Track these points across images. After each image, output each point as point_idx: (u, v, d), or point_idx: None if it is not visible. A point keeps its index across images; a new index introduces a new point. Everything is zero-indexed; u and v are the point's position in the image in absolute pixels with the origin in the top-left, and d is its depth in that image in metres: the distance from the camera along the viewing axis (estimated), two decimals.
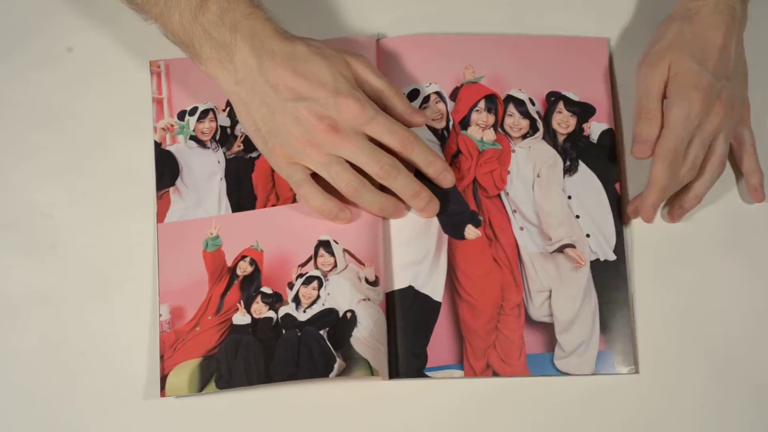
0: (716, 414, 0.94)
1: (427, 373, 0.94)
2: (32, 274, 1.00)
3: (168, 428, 0.95)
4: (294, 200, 1.00)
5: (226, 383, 0.94)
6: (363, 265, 0.97)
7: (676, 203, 0.98)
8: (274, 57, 0.94)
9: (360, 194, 0.95)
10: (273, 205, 1.00)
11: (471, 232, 0.98)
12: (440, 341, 0.95)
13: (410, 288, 0.96)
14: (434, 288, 0.97)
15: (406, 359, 0.94)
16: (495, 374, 0.94)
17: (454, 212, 0.99)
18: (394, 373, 0.94)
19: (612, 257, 0.97)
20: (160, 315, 0.98)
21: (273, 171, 1.01)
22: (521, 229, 0.98)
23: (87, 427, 0.95)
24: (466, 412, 0.94)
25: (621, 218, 0.99)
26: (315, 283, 0.97)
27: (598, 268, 0.97)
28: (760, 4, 1.05)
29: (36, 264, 1.00)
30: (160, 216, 1.01)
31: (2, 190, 1.03)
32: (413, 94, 1.03)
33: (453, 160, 1.01)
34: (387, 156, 0.95)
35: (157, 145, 1.04)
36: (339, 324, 0.95)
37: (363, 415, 0.94)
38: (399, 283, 0.97)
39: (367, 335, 0.94)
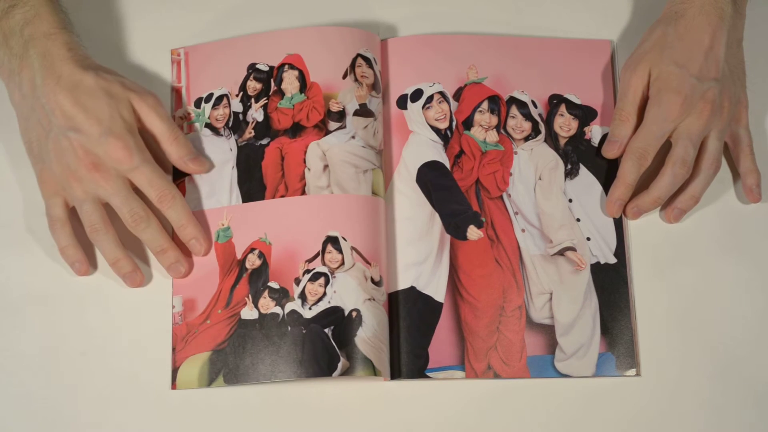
0: (718, 416, 0.95)
1: (428, 374, 0.96)
2: (32, 274, 1.02)
3: (169, 428, 0.97)
4: (303, 192, 1.01)
5: (233, 378, 0.96)
6: (369, 264, 0.98)
7: (673, 204, 1.00)
8: (59, 82, 0.97)
9: (98, 239, 0.98)
10: (282, 196, 1.01)
11: (473, 232, 1.00)
12: (442, 342, 0.97)
13: (412, 288, 0.98)
14: (436, 289, 0.99)
15: (408, 359, 0.96)
16: (496, 375, 0.96)
17: (457, 212, 1.01)
18: (395, 373, 0.96)
19: (612, 260, 0.99)
20: (173, 306, 1.00)
21: (282, 160, 1.03)
22: (523, 231, 1.00)
23: (87, 427, 0.97)
24: (466, 413, 0.96)
25: (621, 222, 1.01)
26: (322, 280, 0.98)
27: (598, 271, 0.99)
28: (760, 4, 1.07)
29: (36, 264, 1.02)
30: None
31: (2, 190, 1.05)
32: (417, 94, 1.04)
33: (456, 160, 1.03)
34: (141, 206, 0.97)
35: None
36: (344, 323, 0.96)
37: (364, 415, 0.96)
38: (401, 284, 0.99)
39: (372, 335, 0.96)
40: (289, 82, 1.05)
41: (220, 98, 1.06)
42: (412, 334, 0.97)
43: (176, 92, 1.07)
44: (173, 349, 0.98)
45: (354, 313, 0.97)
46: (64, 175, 0.98)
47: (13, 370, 0.99)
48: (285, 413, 0.97)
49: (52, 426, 0.97)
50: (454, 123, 1.04)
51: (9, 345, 1.00)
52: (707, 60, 0.97)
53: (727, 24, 0.98)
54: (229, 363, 0.97)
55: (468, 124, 1.04)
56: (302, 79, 1.05)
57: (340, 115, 1.04)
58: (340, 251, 0.99)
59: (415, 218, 1.01)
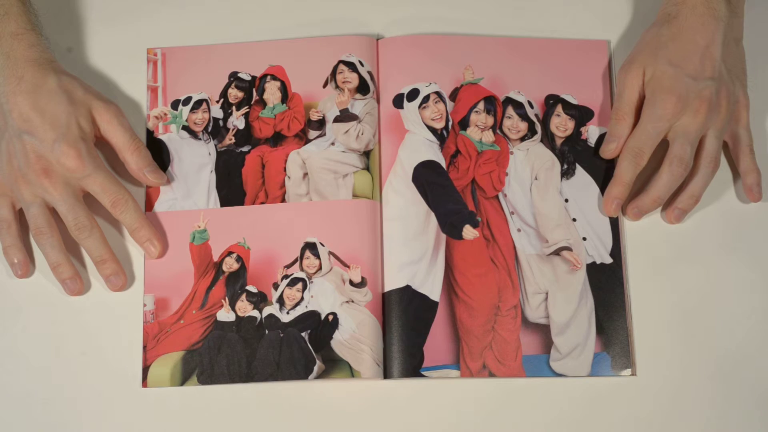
0: (715, 416, 1.00)
1: (424, 373, 1.00)
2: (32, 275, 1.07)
3: (170, 427, 1.01)
4: (283, 200, 1.08)
5: (208, 378, 1.01)
6: (348, 267, 1.04)
7: (673, 204, 1.05)
8: (21, 83, 1.02)
9: (42, 242, 1.03)
10: (262, 203, 1.08)
11: (469, 232, 1.06)
12: (437, 341, 1.02)
13: (408, 287, 1.03)
14: (432, 288, 1.04)
15: (403, 358, 1.01)
16: (491, 375, 1.01)
17: (452, 212, 1.06)
18: (390, 372, 1.01)
19: (608, 260, 1.05)
20: (145, 305, 1.04)
21: (263, 168, 1.09)
22: (519, 230, 1.06)
23: (87, 427, 1.01)
24: (461, 412, 1.01)
25: (618, 222, 1.07)
26: (299, 285, 1.04)
27: (594, 271, 1.05)
28: (759, 4, 1.14)
29: (36, 263, 1.07)
30: (149, 205, 1.07)
31: None
32: (413, 94, 1.10)
33: (452, 159, 1.08)
34: (85, 215, 1.03)
35: (149, 134, 1.11)
36: (320, 326, 1.02)
37: (359, 413, 1.01)
38: (396, 283, 1.03)
39: (348, 337, 1.01)
40: (271, 92, 1.12)
41: (199, 102, 1.12)
42: (407, 332, 1.02)
43: (152, 92, 1.12)
44: (144, 348, 1.03)
45: (330, 317, 1.03)
46: (14, 176, 1.02)
47: (13, 371, 1.03)
48: (281, 412, 1.01)
49: (52, 426, 1.01)
50: (450, 123, 1.10)
51: (9, 345, 1.04)
52: (702, 59, 1.04)
53: (723, 23, 1.05)
54: (204, 363, 1.02)
55: (464, 124, 1.10)
56: (284, 89, 1.12)
57: (320, 124, 1.11)
58: (318, 257, 1.05)
59: (410, 217, 1.06)
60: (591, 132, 1.10)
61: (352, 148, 1.09)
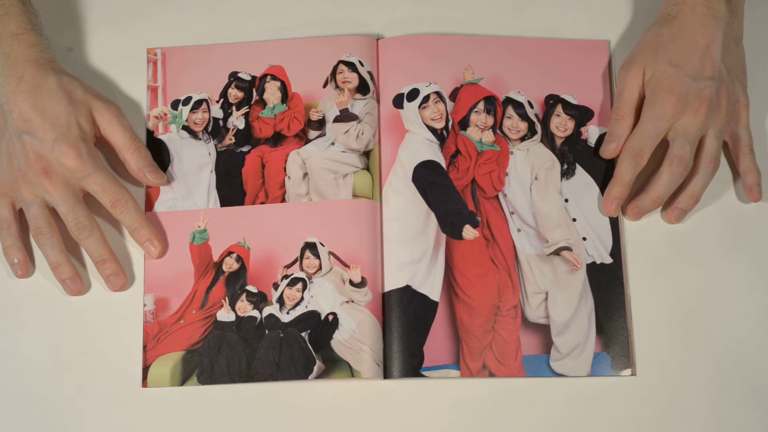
0: (714, 416, 1.01)
1: (423, 373, 1.01)
2: (32, 275, 1.07)
3: (170, 427, 1.02)
4: (283, 200, 1.09)
5: (208, 379, 1.02)
6: (348, 267, 1.05)
7: (673, 204, 1.06)
8: (20, 83, 1.03)
9: (42, 242, 1.03)
10: (262, 203, 1.08)
11: (469, 232, 1.06)
12: (437, 341, 1.02)
13: (408, 287, 1.04)
14: (432, 288, 1.04)
15: (403, 358, 1.01)
16: (491, 375, 1.02)
17: (452, 212, 1.07)
18: (390, 372, 1.01)
19: (608, 260, 1.06)
20: (145, 305, 1.05)
21: (263, 168, 1.10)
22: (519, 230, 1.07)
23: (87, 427, 1.02)
24: (461, 412, 1.01)
25: (618, 222, 1.07)
26: (299, 285, 1.05)
27: (594, 271, 1.05)
28: (760, 4, 1.15)
29: (36, 263, 1.07)
30: (149, 205, 1.08)
31: None
32: (413, 94, 1.11)
33: (452, 159, 1.09)
34: (85, 215, 1.03)
35: (149, 134, 1.11)
36: (320, 326, 1.03)
37: (359, 413, 1.01)
38: (396, 283, 1.04)
39: (349, 337, 1.02)
40: (271, 92, 1.13)
41: (199, 102, 1.12)
42: (407, 332, 1.02)
43: (152, 92, 1.13)
44: (144, 348, 1.03)
45: (330, 317, 1.04)
46: (14, 176, 1.03)
47: (13, 371, 1.04)
48: (280, 412, 1.02)
49: (52, 426, 1.02)
50: (450, 123, 1.11)
51: (9, 345, 1.04)
52: (702, 59, 1.05)
53: (723, 23, 1.05)
54: (204, 363, 1.02)
55: (464, 124, 1.10)
56: (284, 89, 1.13)
57: (320, 123, 1.11)
58: (318, 257, 1.06)
59: (410, 217, 1.07)
60: (591, 132, 1.11)
61: (352, 148, 1.10)
